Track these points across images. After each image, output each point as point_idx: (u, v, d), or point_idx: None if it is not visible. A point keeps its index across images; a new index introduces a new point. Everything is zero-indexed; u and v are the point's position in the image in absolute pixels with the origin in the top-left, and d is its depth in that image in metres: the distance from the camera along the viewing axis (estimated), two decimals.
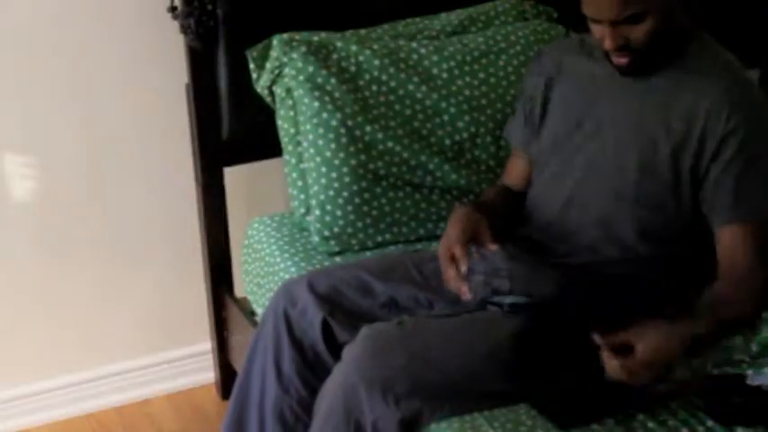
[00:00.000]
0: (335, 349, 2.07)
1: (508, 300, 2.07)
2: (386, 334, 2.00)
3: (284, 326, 2.12)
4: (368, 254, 2.48)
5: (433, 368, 1.94)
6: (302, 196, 2.55)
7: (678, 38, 2.05)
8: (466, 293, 2.00)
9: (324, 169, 2.46)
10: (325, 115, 2.47)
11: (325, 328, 2.11)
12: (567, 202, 2.15)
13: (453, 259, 2.03)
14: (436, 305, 2.14)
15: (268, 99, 2.57)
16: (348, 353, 1.99)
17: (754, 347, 2.05)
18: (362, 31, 2.60)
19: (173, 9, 2.52)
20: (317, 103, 2.47)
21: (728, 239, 2.00)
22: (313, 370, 2.10)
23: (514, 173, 2.34)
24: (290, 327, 2.12)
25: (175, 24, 2.54)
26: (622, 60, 2.03)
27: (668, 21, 2.00)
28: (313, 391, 2.07)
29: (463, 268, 2.01)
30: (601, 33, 2.01)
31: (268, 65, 2.53)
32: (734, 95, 2.00)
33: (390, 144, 2.48)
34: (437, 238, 2.53)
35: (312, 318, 2.11)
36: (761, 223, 2.00)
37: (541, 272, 2.10)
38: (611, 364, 1.83)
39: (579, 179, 2.13)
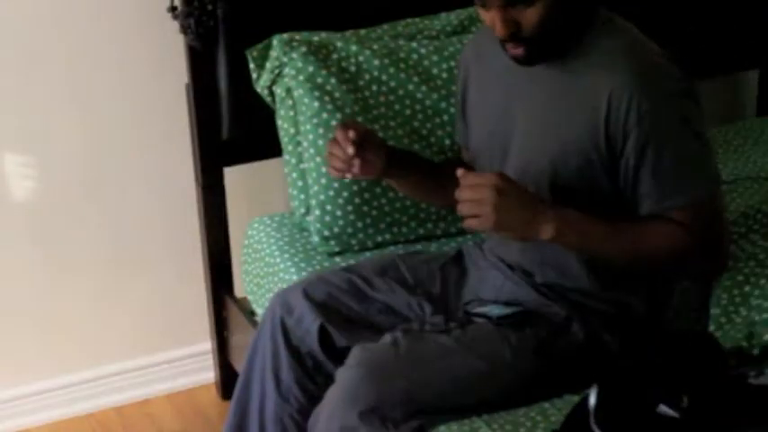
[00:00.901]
0: (334, 353, 2.05)
1: (495, 312, 2.04)
2: (379, 356, 1.94)
3: (281, 335, 2.09)
4: (368, 254, 2.48)
5: (432, 392, 1.90)
6: (302, 196, 2.55)
7: (578, 20, 1.93)
8: (348, 174, 2.05)
9: (324, 169, 2.46)
10: (325, 115, 2.47)
11: (323, 334, 2.08)
12: None
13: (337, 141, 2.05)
14: (426, 309, 2.13)
15: (268, 99, 2.57)
16: (342, 379, 1.93)
17: (756, 350, 2.05)
18: (362, 31, 2.59)
19: (173, 9, 2.52)
20: (316, 103, 2.47)
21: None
22: (312, 378, 2.08)
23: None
24: (286, 335, 2.09)
25: (175, 24, 2.53)
26: (516, 51, 1.93)
27: (562, 3, 1.88)
28: (312, 398, 2.04)
29: (350, 150, 2.01)
30: (491, 19, 1.90)
31: (268, 65, 2.53)
32: (637, 80, 1.88)
33: (390, 144, 2.48)
34: (437, 237, 2.54)
35: (309, 325, 2.09)
36: (689, 207, 1.91)
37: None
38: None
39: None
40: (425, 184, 2.25)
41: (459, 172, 1.87)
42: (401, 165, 2.17)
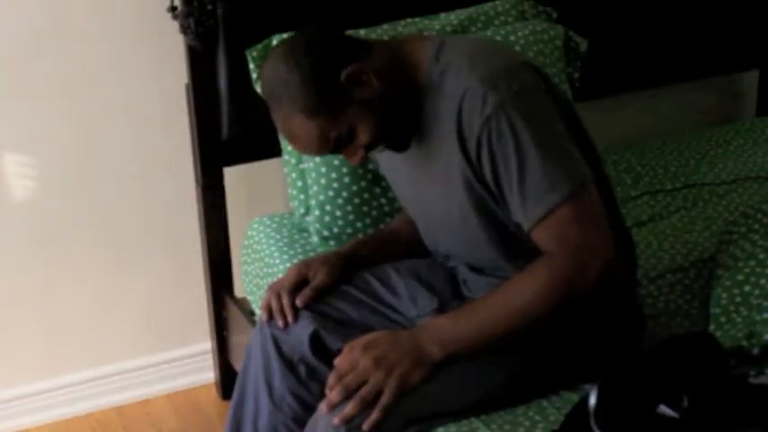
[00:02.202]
0: (329, 357, 2.01)
1: None
2: None
3: (272, 344, 2.07)
4: None
5: (428, 403, 1.87)
6: (302, 196, 2.55)
7: (401, 93, 1.91)
8: (280, 324, 2.06)
9: (323, 169, 2.46)
10: None
11: (315, 339, 2.05)
12: (443, 253, 2.12)
13: (279, 299, 2.07)
14: (416, 314, 2.12)
15: None
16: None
17: (756, 350, 2.05)
18: (362, 31, 2.59)
19: (173, 9, 2.52)
20: None
21: (539, 239, 1.87)
22: (306, 386, 2.04)
23: None
24: (277, 344, 2.07)
25: (175, 24, 2.53)
26: (382, 151, 1.97)
27: (379, 104, 1.88)
28: (307, 406, 2.01)
29: (280, 323, 2.06)
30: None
31: None
32: (469, 95, 1.83)
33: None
34: None
35: (300, 332, 2.06)
36: (550, 211, 1.83)
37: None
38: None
39: (448, 242, 2.08)
40: (389, 258, 2.23)
41: (330, 381, 1.87)
42: (351, 270, 2.17)
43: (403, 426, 1.86)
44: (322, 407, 1.87)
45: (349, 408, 1.82)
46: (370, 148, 1.94)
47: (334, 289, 2.12)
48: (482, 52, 1.94)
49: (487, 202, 1.92)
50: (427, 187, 2.02)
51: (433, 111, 1.92)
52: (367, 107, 1.88)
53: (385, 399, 1.83)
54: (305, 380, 2.05)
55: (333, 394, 1.84)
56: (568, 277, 1.84)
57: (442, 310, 2.08)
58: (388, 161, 2.13)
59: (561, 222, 1.84)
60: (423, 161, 1.99)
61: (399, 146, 1.99)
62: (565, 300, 1.86)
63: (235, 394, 2.14)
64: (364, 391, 1.83)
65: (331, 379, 1.87)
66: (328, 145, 1.90)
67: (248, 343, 2.14)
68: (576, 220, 1.84)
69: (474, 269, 2.08)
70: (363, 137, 1.90)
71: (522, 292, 1.87)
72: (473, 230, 1.97)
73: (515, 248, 1.96)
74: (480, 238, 1.98)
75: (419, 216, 2.13)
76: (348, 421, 1.81)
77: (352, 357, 1.87)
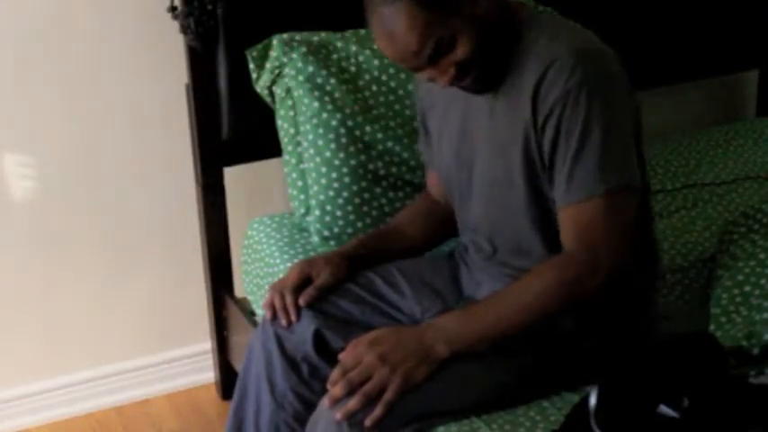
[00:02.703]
0: (331, 355, 2.02)
1: None
2: None
3: (274, 342, 2.06)
4: None
5: (427, 397, 1.87)
6: (302, 196, 2.55)
7: (505, 28, 1.91)
8: (284, 323, 2.06)
9: (324, 169, 2.46)
10: (325, 115, 2.47)
11: (318, 338, 2.05)
12: (468, 222, 2.11)
13: (282, 297, 2.08)
14: (419, 314, 2.12)
15: (268, 99, 2.57)
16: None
17: (756, 350, 2.05)
18: (362, 31, 2.59)
19: (173, 9, 2.52)
20: (316, 103, 2.47)
21: (565, 221, 1.88)
22: (308, 385, 2.04)
23: (433, 186, 2.28)
24: (280, 342, 2.06)
25: (175, 24, 2.54)
26: (465, 84, 1.92)
27: (484, 26, 1.86)
28: (309, 404, 2.01)
29: (283, 322, 2.06)
30: (430, 75, 1.89)
31: (268, 65, 2.53)
32: (557, 64, 1.84)
33: (390, 144, 2.49)
34: None
35: (303, 330, 2.06)
36: (588, 198, 1.85)
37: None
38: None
39: (481, 207, 2.06)
40: (391, 256, 2.23)
41: (333, 375, 1.87)
42: (354, 269, 2.17)
43: (405, 423, 1.85)
44: (324, 402, 1.87)
45: (352, 403, 1.82)
46: (462, 68, 1.88)
47: (337, 288, 2.12)
48: (580, 31, 1.95)
49: (537, 169, 1.92)
50: (480, 142, 2.00)
51: (517, 66, 1.91)
52: (473, 23, 1.85)
53: (388, 395, 1.82)
54: (307, 378, 2.05)
55: (336, 389, 1.84)
56: (579, 276, 1.85)
57: (446, 311, 2.07)
58: (441, 110, 2.10)
59: (592, 213, 1.85)
60: (488, 111, 1.97)
61: (482, 84, 1.95)
62: (573, 298, 1.87)
63: (236, 393, 2.14)
64: (368, 386, 1.83)
65: (335, 374, 1.87)
66: (428, 47, 1.85)
67: (249, 342, 2.14)
68: (605, 217, 1.85)
69: (486, 255, 2.07)
70: (461, 50, 1.86)
71: (531, 289, 1.87)
72: (513, 194, 1.96)
73: (547, 227, 1.96)
74: (517, 205, 1.97)
75: (458, 173, 2.09)
76: (350, 416, 1.81)
77: (357, 353, 1.87)
